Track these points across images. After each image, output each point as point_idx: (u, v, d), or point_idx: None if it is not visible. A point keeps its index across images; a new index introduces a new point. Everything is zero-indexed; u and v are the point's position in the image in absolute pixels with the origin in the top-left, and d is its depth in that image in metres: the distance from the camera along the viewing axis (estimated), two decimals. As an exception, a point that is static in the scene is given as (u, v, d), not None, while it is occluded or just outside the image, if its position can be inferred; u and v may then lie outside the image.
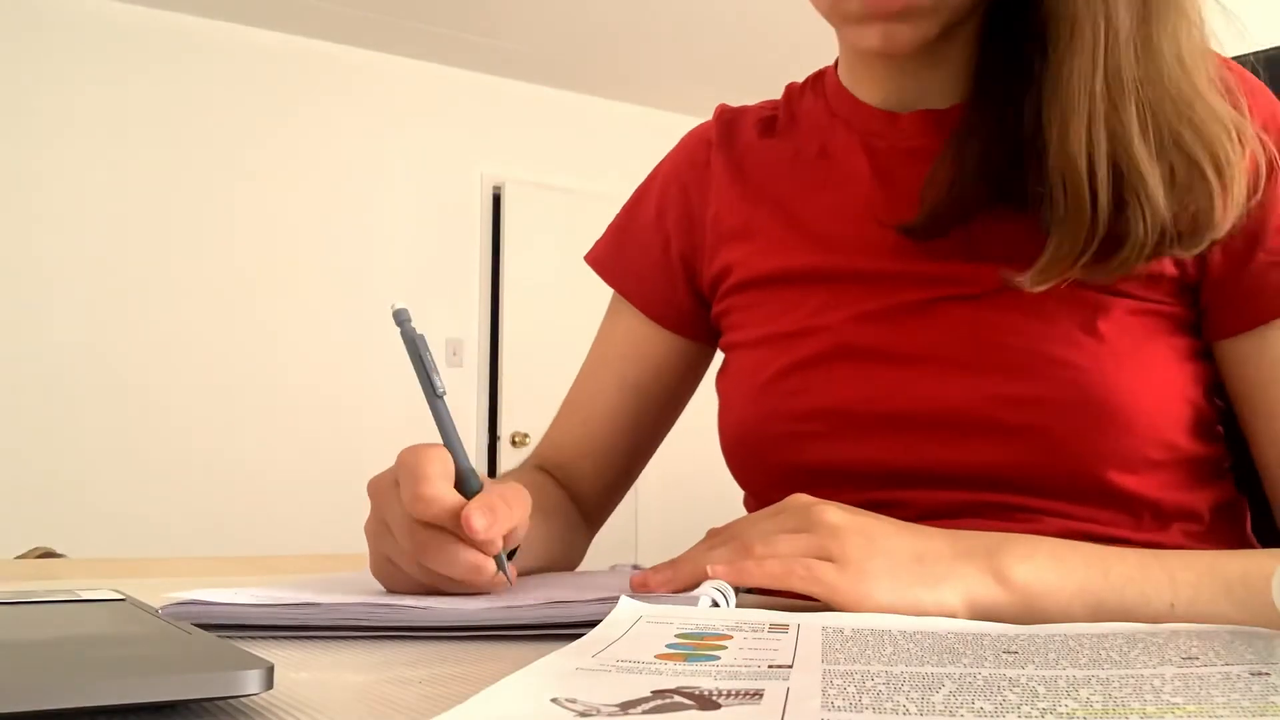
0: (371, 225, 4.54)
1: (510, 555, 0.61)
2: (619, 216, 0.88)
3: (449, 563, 0.52)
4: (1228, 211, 0.59)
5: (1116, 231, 0.59)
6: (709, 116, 0.85)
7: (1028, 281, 0.60)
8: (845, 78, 0.76)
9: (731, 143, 0.81)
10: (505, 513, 0.53)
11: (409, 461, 0.54)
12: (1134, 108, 0.59)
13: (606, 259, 0.86)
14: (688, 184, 0.82)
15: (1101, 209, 0.59)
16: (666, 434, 0.87)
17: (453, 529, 0.52)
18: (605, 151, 5.06)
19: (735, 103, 0.85)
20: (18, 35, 3.92)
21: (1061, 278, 0.60)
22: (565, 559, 0.77)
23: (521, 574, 0.66)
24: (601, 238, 0.88)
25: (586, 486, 0.83)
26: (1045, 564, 0.51)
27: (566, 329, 4.89)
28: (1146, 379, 0.62)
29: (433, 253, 4.67)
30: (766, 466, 0.71)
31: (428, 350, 0.58)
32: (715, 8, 4.16)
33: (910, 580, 0.49)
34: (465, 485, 0.55)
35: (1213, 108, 0.59)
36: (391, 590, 0.57)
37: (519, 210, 4.81)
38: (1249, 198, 0.60)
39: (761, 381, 0.71)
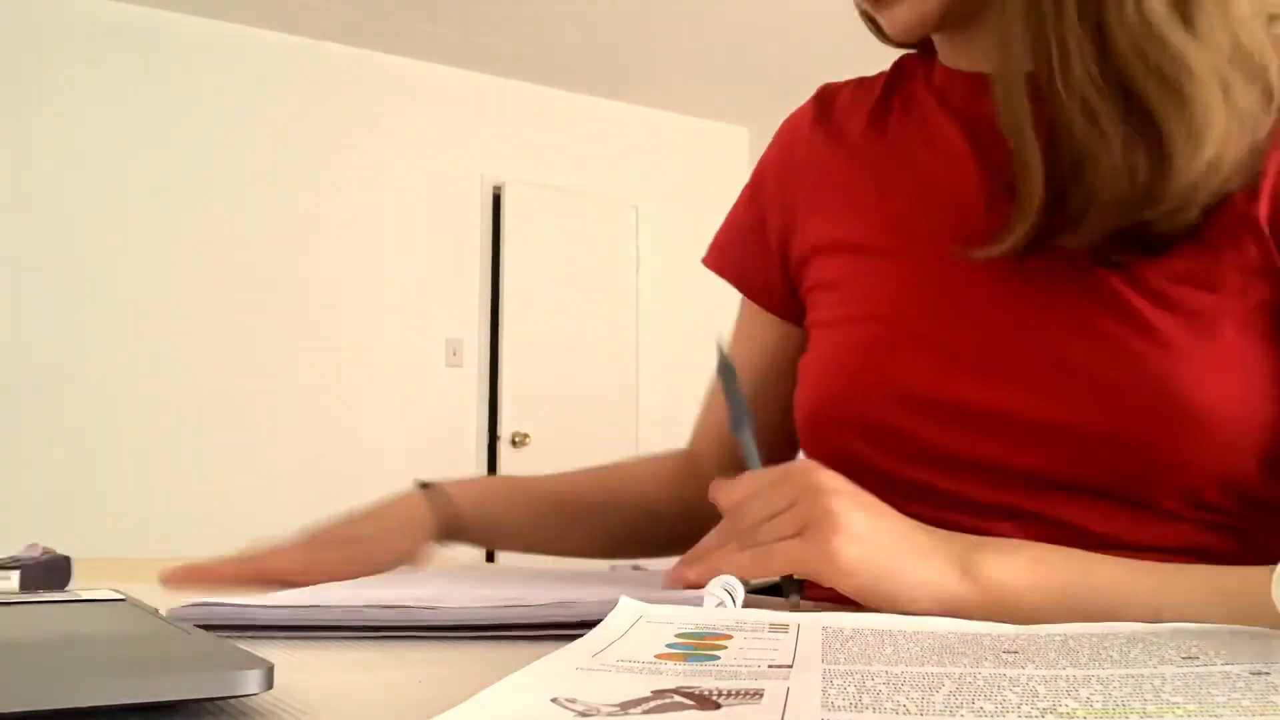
0: (372, 225, 4.54)
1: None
2: (728, 214, 0.88)
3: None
4: (1196, 157, 0.55)
5: (1072, 186, 0.58)
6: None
7: (994, 250, 0.60)
8: (941, 50, 0.75)
9: (829, 115, 0.80)
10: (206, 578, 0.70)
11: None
12: (1078, 54, 0.57)
13: (716, 254, 0.87)
14: (783, 161, 0.82)
15: (1054, 160, 0.58)
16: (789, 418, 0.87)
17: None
18: (605, 151, 5.06)
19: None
20: (18, 35, 3.92)
21: (1014, 238, 0.59)
22: (590, 547, 0.85)
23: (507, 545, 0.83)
24: (714, 237, 0.88)
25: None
26: (1023, 564, 0.51)
27: (566, 329, 4.90)
28: (1229, 380, 0.58)
29: (433, 253, 4.67)
30: (834, 448, 0.70)
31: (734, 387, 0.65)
32: (717, 8, 4.16)
33: (885, 550, 0.50)
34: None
35: (1182, 56, 0.56)
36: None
37: (519, 210, 4.81)
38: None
39: (835, 364, 0.70)
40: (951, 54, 0.72)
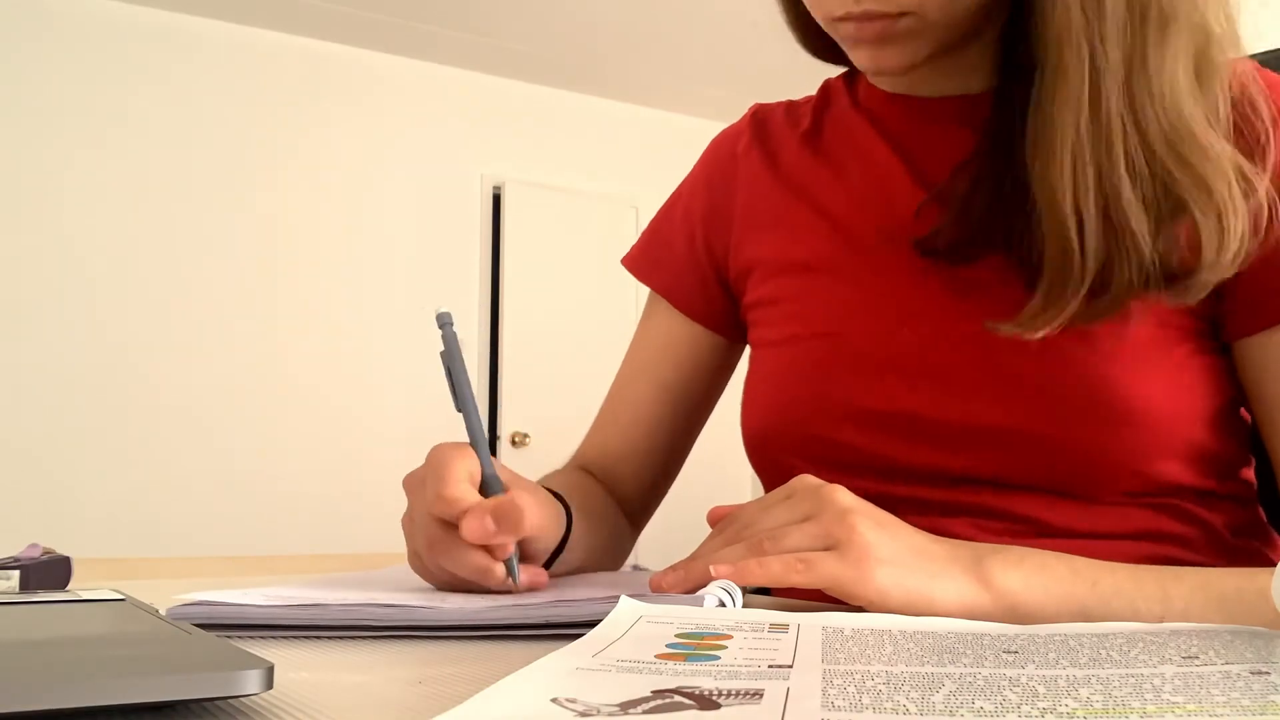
0: (372, 225, 4.54)
1: (550, 561, 0.62)
2: (653, 219, 0.89)
3: (458, 563, 0.55)
4: (1223, 252, 0.56)
5: (1104, 275, 0.58)
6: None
7: (1018, 329, 0.59)
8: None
9: (765, 135, 0.81)
10: (516, 518, 0.54)
11: (436, 461, 0.56)
12: (1121, 146, 0.56)
13: (640, 259, 0.87)
14: (714, 179, 0.83)
15: (1089, 253, 0.57)
16: (701, 430, 0.88)
17: None
18: (605, 151, 5.06)
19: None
20: (18, 35, 3.92)
21: (1049, 325, 0.59)
22: (609, 558, 0.77)
23: (564, 574, 0.66)
24: (637, 241, 0.89)
25: (628, 488, 0.84)
26: (1031, 572, 0.52)
27: (566, 329, 4.90)
28: (1164, 386, 0.61)
29: (433, 253, 4.67)
30: (785, 468, 0.71)
31: (462, 358, 0.59)
32: (716, 8, 4.16)
33: (911, 570, 0.50)
34: (488, 490, 0.56)
35: (1207, 147, 0.57)
36: (423, 580, 0.60)
37: (519, 210, 4.81)
38: (1256, 234, 0.58)
39: (785, 384, 0.71)
40: (888, 80, 0.73)
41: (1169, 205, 0.57)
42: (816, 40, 0.74)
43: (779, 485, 0.73)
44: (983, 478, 0.65)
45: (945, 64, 0.67)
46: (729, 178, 0.81)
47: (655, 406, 0.84)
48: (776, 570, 0.50)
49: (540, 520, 0.58)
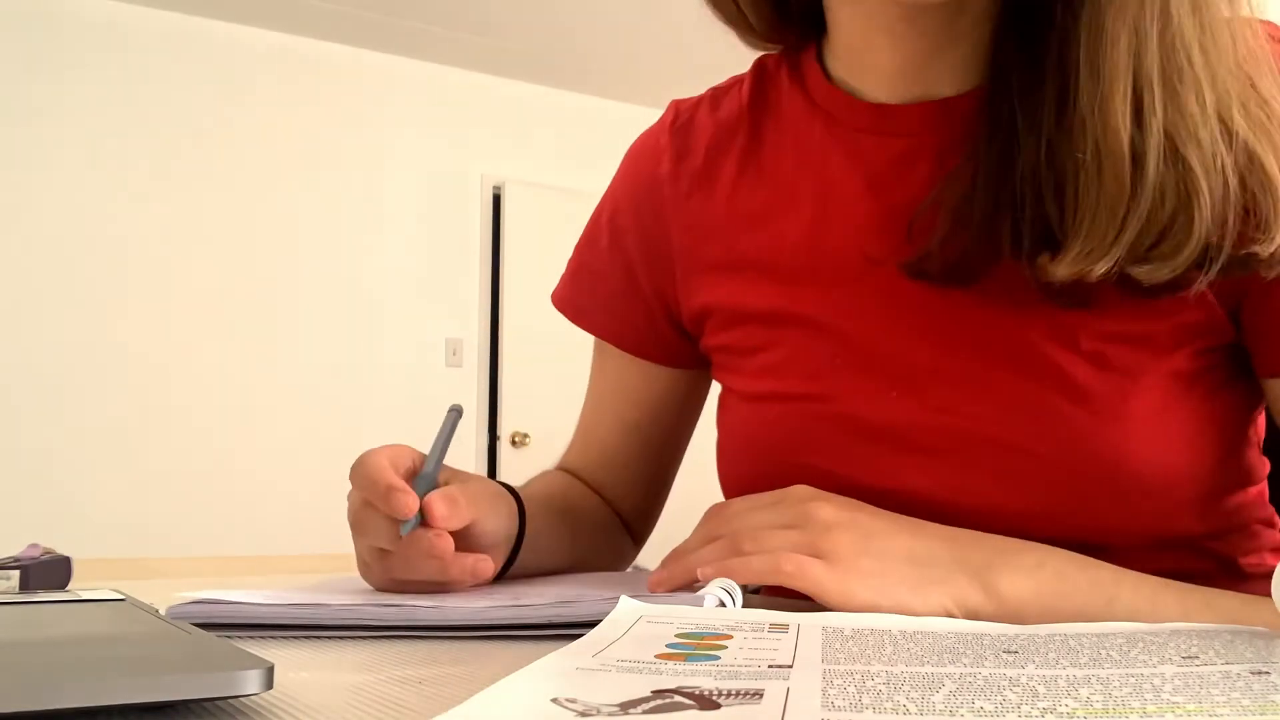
0: (371, 225, 4.54)
1: (510, 559, 0.62)
2: (576, 250, 0.79)
3: (371, 533, 0.57)
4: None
5: (1163, 231, 0.50)
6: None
7: (1060, 268, 0.51)
8: (840, 60, 0.65)
9: (691, 149, 0.70)
10: (465, 505, 0.56)
11: (362, 472, 0.58)
12: (1191, 82, 0.49)
13: (573, 301, 0.78)
14: (641, 205, 0.72)
15: (1147, 188, 0.49)
16: (684, 453, 0.83)
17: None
18: (605, 151, 5.04)
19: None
20: (18, 35, 3.92)
21: (1094, 265, 0.50)
22: (592, 558, 0.75)
23: (538, 575, 0.67)
24: (563, 276, 0.79)
25: (613, 502, 0.81)
26: (1046, 581, 0.49)
27: (566, 329, 4.85)
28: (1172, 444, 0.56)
29: (433, 253, 4.67)
30: None
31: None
32: (715, 7, 4.16)
33: (897, 581, 0.49)
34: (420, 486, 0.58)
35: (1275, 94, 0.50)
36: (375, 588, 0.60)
37: (519, 210, 4.81)
38: None
39: (765, 451, 0.64)
40: (883, 67, 0.62)
41: (1241, 156, 0.50)
42: (769, 9, 0.65)
43: None
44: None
45: (933, 55, 0.60)
46: (657, 208, 0.71)
47: (622, 443, 0.78)
48: (762, 568, 0.50)
49: (481, 509, 0.59)
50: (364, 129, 4.54)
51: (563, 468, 0.82)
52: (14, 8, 3.91)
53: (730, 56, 0.81)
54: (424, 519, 0.55)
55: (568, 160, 4.97)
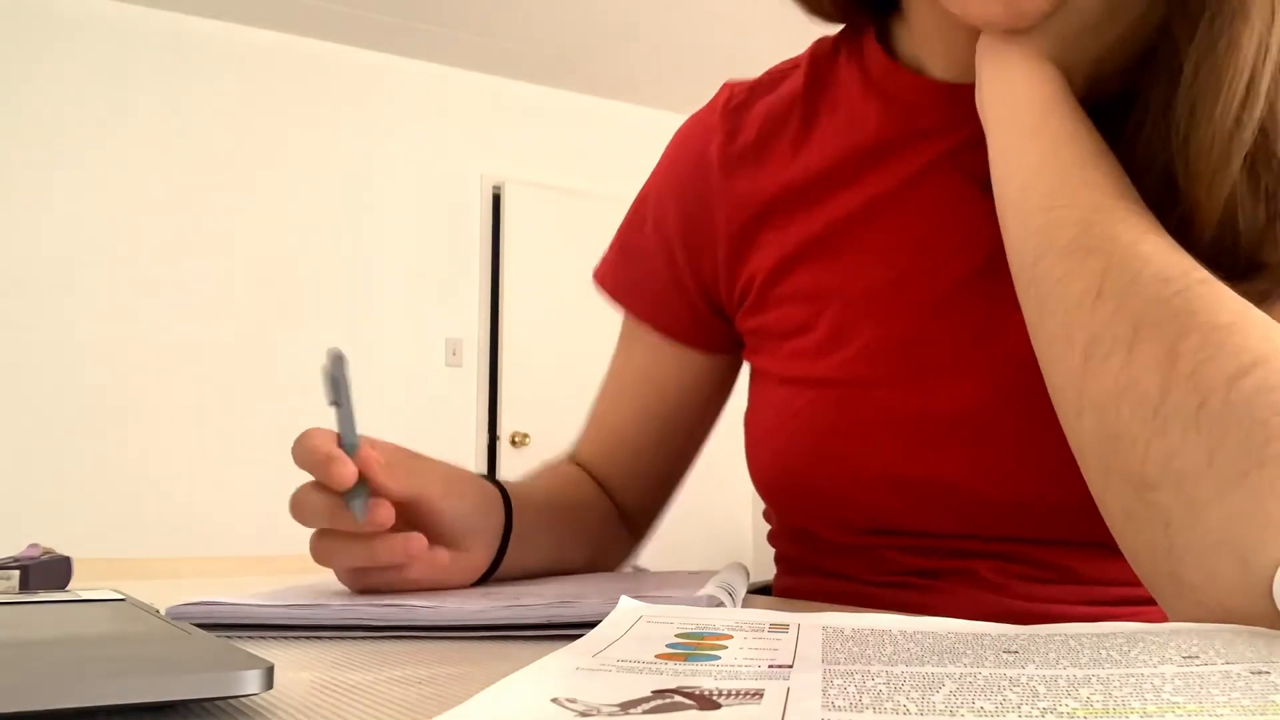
0: (372, 225, 4.54)
1: (500, 554, 0.62)
2: (621, 230, 0.79)
3: (311, 512, 0.58)
4: None
5: (1254, 254, 0.48)
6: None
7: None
8: (912, 45, 0.63)
9: (741, 128, 0.70)
10: (402, 469, 0.56)
11: (305, 445, 0.58)
12: None
13: (613, 279, 0.78)
14: (686, 187, 0.72)
15: (1244, 212, 0.47)
16: (703, 446, 0.81)
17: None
18: (605, 151, 5.06)
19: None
20: (18, 35, 3.92)
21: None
22: (591, 557, 0.74)
23: (534, 572, 0.66)
24: (605, 254, 0.79)
25: (619, 495, 0.80)
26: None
27: (566, 329, 4.90)
28: None
29: (433, 253, 4.67)
30: (801, 521, 0.67)
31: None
32: (717, 7, 4.16)
33: None
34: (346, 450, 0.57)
35: None
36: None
37: (519, 210, 4.81)
38: None
39: (799, 438, 0.63)
40: (958, 57, 0.59)
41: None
42: None
43: (792, 525, 0.68)
44: (1018, 538, 0.59)
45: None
46: (702, 187, 0.71)
47: (642, 435, 0.77)
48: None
49: (430, 485, 0.57)
50: (364, 129, 4.55)
51: (571, 458, 0.81)
52: (13, 8, 3.91)
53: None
54: (370, 491, 0.54)
55: (568, 160, 4.98)
